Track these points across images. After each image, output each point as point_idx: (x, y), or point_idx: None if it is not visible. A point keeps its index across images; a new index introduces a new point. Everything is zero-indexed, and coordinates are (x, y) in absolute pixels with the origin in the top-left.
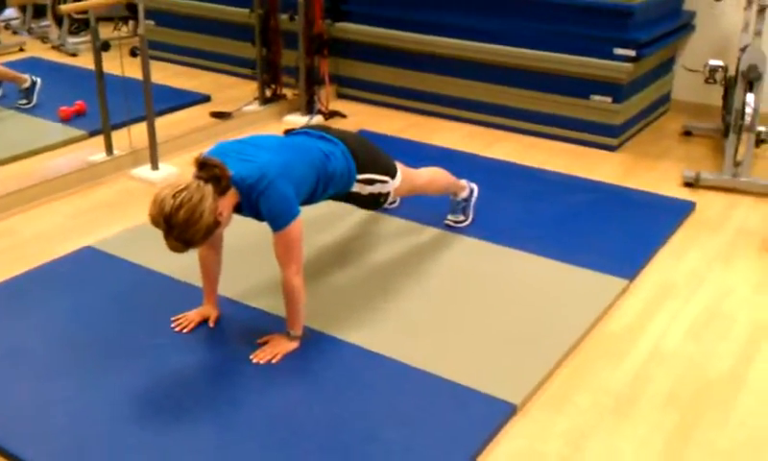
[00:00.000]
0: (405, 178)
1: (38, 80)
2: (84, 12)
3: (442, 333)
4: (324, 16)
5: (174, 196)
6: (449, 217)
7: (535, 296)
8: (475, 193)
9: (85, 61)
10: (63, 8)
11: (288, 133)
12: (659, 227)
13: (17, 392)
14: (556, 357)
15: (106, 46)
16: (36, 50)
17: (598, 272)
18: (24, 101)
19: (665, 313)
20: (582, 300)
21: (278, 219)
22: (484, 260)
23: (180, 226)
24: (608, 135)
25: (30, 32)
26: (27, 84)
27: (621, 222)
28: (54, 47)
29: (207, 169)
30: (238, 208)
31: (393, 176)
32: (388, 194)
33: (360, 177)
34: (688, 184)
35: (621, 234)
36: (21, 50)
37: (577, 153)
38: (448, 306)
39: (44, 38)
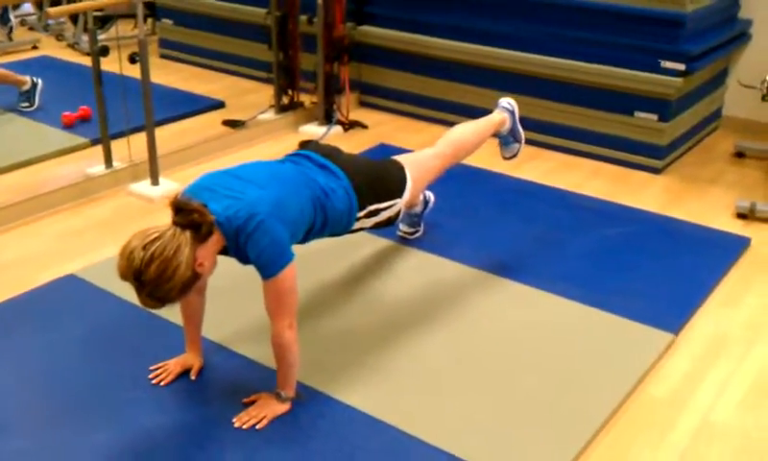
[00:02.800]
0: (417, 179)
1: (39, 81)
2: (101, 9)
3: (456, 398)
4: (346, 19)
5: (144, 248)
6: (402, 228)
7: (563, 352)
8: (430, 205)
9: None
10: (52, 11)
11: (298, 150)
12: (708, 267)
13: None
14: (588, 433)
15: (105, 51)
16: (51, 48)
17: (638, 322)
18: (25, 104)
19: (717, 375)
20: (619, 358)
21: (269, 266)
22: (505, 303)
23: (152, 282)
24: (652, 156)
25: (46, 29)
26: (27, 87)
27: (665, 260)
28: (69, 45)
29: (185, 214)
30: (224, 250)
31: (401, 194)
32: (399, 212)
33: (361, 214)
34: (742, 216)
35: (665, 276)
36: (35, 47)
37: (617, 175)
38: (464, 364)
39: (59, 36)
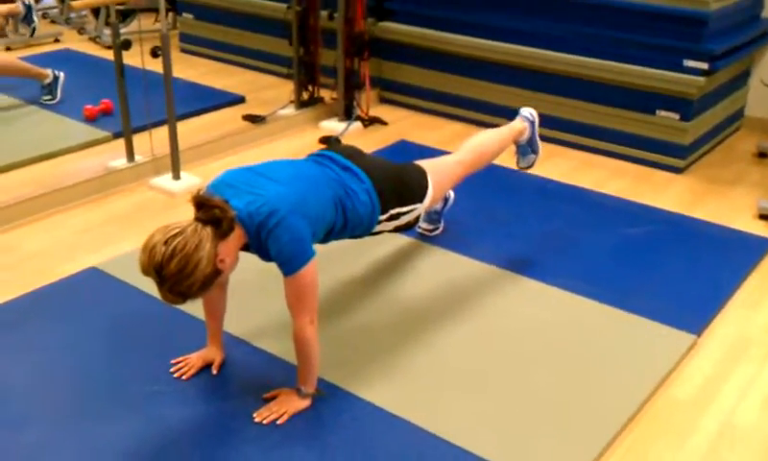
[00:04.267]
0: (438, 184)
1: (61, 74)
2: (123, 2)
3: (476, 396)
4: (367, 15)
5: (166, 242)
6: (422, 225)
7: (584, 351)
8: (450, 203)
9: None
10: (74, 4)
11: (321, 150)
12: (730, 268)
13: None
14: (609, 434)
15: (127, 45)
16: (73, 41)
17: (659, 323)
18: (48, 96)
19: (739, 377)
20: (640, 358)
21: (290, 262)
22: (525, 301)
23: (173, 277)
24: (673, 156)
25: (68, 21)
26: (49, 80)
27: (686, 261)
28: (90, 39)
29: (206, 210)
30: (246, 247)
31: (422, 199)
32: (418, 217)
33: (383, 217)
34: (764, 217)
35: (686, 276)
36: (56, 41)
37: (638, 174)
38: (484, 362)
39: (81, 30)
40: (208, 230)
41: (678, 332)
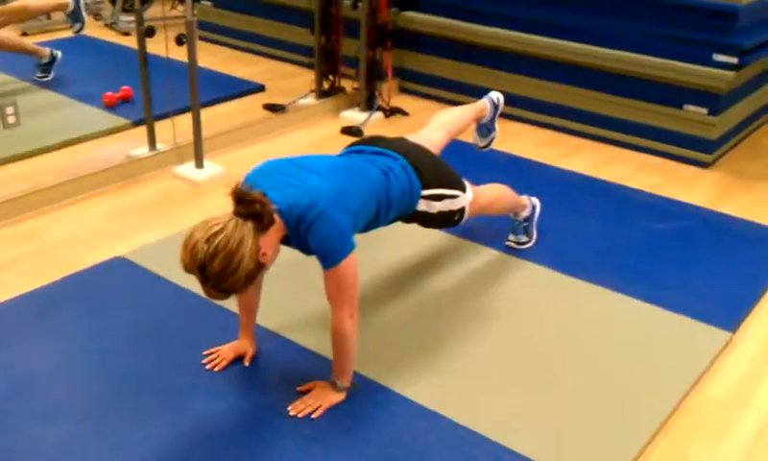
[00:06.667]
0: (474, 195)
1: (59, 53)
2: None
3: (512, 393)
4: (391, 4)
5: (208, 240)
6: (511, 238)
7: (618, 348)
8: (537, 210)
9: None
10: None
11: (347, 148)
12: (762, 264)
13: (15, 436)
14: (647, 433)
15: (150, 32)
16: (88, 28)
17: (693, 319)
18: (41, 74)
19: None
20: (675, 356)
21: (331, 256)
22: (556, 296)
23: (217, 275)
24: (701, 150)
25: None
26: (47, 59)
27: (717, 257)
28: (106, 25)
29: (246, 204)
30: (285, 240)
31: (463, 189)
32: (462, 210)
33: (425, 193)
34: None
35: (718, 273)
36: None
37: (665, 168)
38: (519, 358)
39: (97, 16)
40: (249, 225)
41: (712, 329)
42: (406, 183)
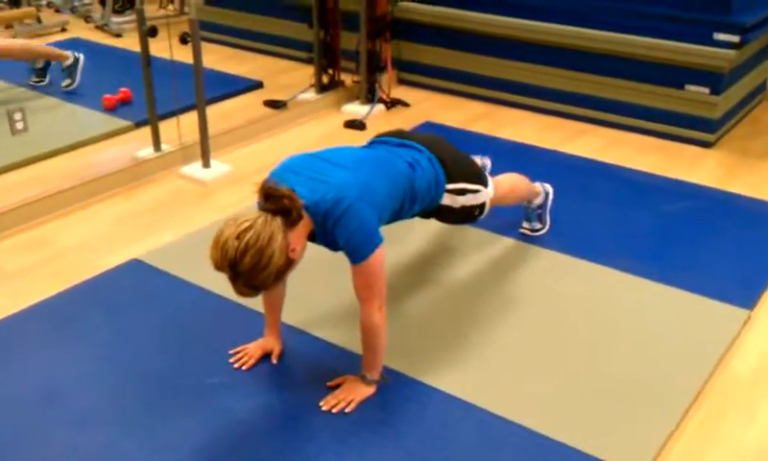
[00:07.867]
0: (498, 183)
1: (81, 55)
2: None
3: (542, 378)
4: None
5: (238, 237)
6: (525, 225)
7: (641, 327)
8: (551, 196)
9: (130, 43)
10: None
11: (371, 141)
12: None
13: (50, 442)
14: (679, 411)
15: (153, 31)
16: (80, 30)
17: (710, 298)
18: (68, 80)
19: None
20: (697, 335)
21: (359, 250)
22: (575, 281)
23: (248, 272)
24: (704, 130)
25: (73, 10)
26: (70, 61)
27: (729, 235)
28: (97, 27)
29: (274, 200)
30: (311, 236)
31: (485, 184)
32: (483, 205)
33: (450, 187)
34: None
35: (731, 251)
36: (63, 30)
37: (669, 149)
38: (545, 344)
39: (87, 18)
40: (278, 222)
41: (730, 307)
42: (432, 176)
